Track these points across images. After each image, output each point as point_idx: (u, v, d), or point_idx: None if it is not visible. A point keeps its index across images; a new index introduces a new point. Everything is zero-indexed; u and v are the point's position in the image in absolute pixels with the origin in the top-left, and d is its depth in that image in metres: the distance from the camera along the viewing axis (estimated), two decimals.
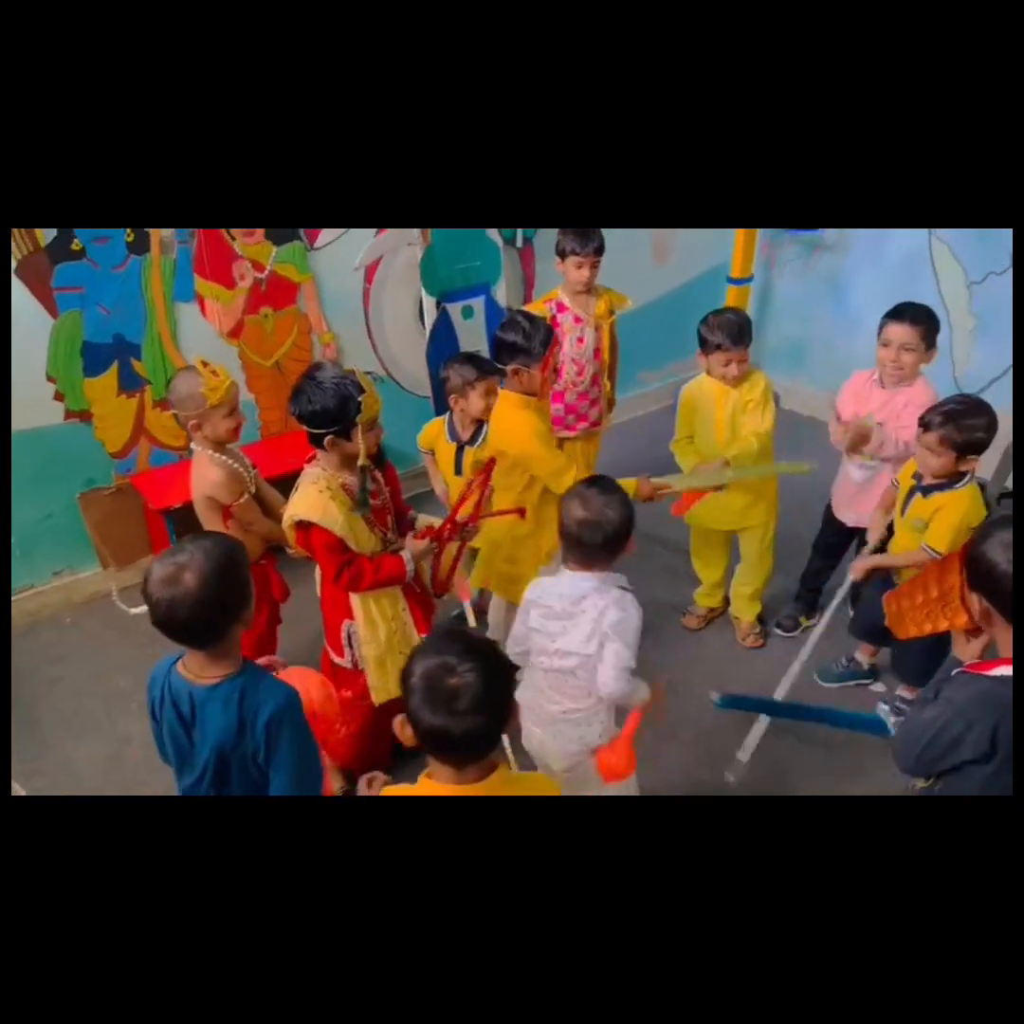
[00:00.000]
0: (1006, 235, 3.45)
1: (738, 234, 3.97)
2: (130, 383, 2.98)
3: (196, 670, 1.52)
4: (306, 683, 1.76)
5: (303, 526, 2.05)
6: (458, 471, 2.71)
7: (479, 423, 2.65)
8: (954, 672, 1.43)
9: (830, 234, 4.02)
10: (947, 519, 2.22)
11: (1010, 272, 3.52)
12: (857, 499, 2.70)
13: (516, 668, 1.59)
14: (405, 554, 2.15)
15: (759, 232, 4.03)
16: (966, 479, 2.23)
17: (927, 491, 2.27)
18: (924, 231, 3.73)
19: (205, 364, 2.18)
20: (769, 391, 2.67)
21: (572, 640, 1.85)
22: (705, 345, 2.60)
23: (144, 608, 1.49)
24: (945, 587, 1.42)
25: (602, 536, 1.82)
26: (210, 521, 2.29)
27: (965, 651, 1.48)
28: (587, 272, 2.92)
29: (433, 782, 1.31)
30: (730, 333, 2.53)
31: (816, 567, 2.96)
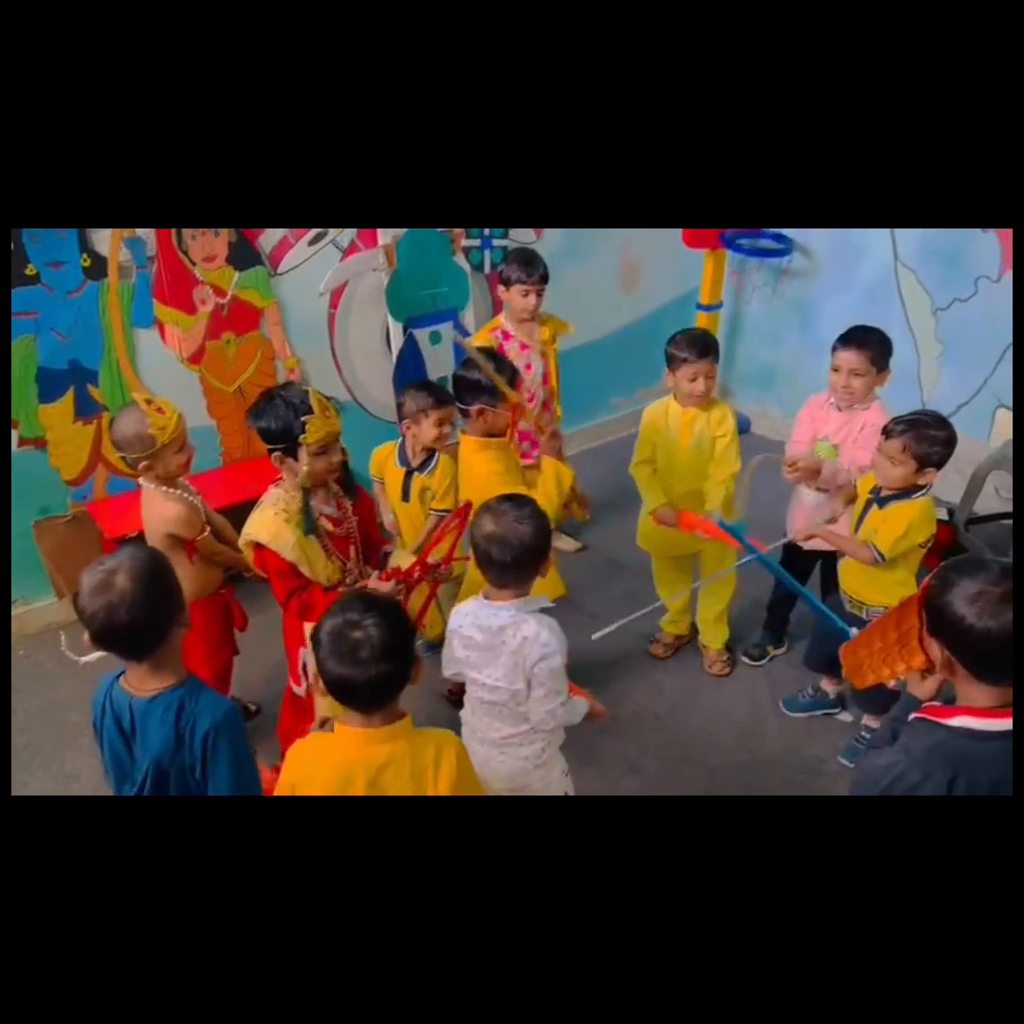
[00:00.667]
0: (971, 263, 3.48)
1: (707, 260, 3.98)
2: (86, 409, 2.93)
3: (137, 683, 1.51)
4: None
5: (258, 547, 2.03)
6: (406, 498, 2.68)
7: (431, 451, 2.62)
8: (911, 717, 1.38)
9: (798, 260, 4.04)
10: (893, 524, 2.24)
11: (974, 299, 3.54)
12: (812, 523, 2.68)
13: (406, 625, 1.60)
14: None
15: (727, 258, 4.05)
16: (921, 492, 2.25)
17: (883, 502, 2.29)
18: (890, 258, 3.75)
19: (149, 401, 2.12)
20: (736, 427, 2.67)
21: (496, 673, 1.80)
22: (671, 361, 2.60)
23: (94, 655, 1.48)
24: (903, 629, 1.38)
25: (511, 553, 1.73)
26: (175, 560, 2.22)
27: (920, 688, 1.43)
28: (533, 300, 2.93)
29: (344, 727, 1.47)
30: (694, 346, 2.55)
31: (782, 595, 2.93)
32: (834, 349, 2.53)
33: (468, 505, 2.14)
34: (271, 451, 1.99)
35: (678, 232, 3.84)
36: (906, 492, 2.25)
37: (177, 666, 1.53)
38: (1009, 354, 3.46)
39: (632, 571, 3.31)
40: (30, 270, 2.66)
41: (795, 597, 2.93)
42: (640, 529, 2.86)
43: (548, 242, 3.77)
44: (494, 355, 2.36)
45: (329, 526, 2.10)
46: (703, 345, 2.56)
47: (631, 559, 3.29)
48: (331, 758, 1.48)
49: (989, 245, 3.41)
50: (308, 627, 2.13)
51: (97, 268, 2.77)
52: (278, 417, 1.94)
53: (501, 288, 3.02)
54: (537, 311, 2.99)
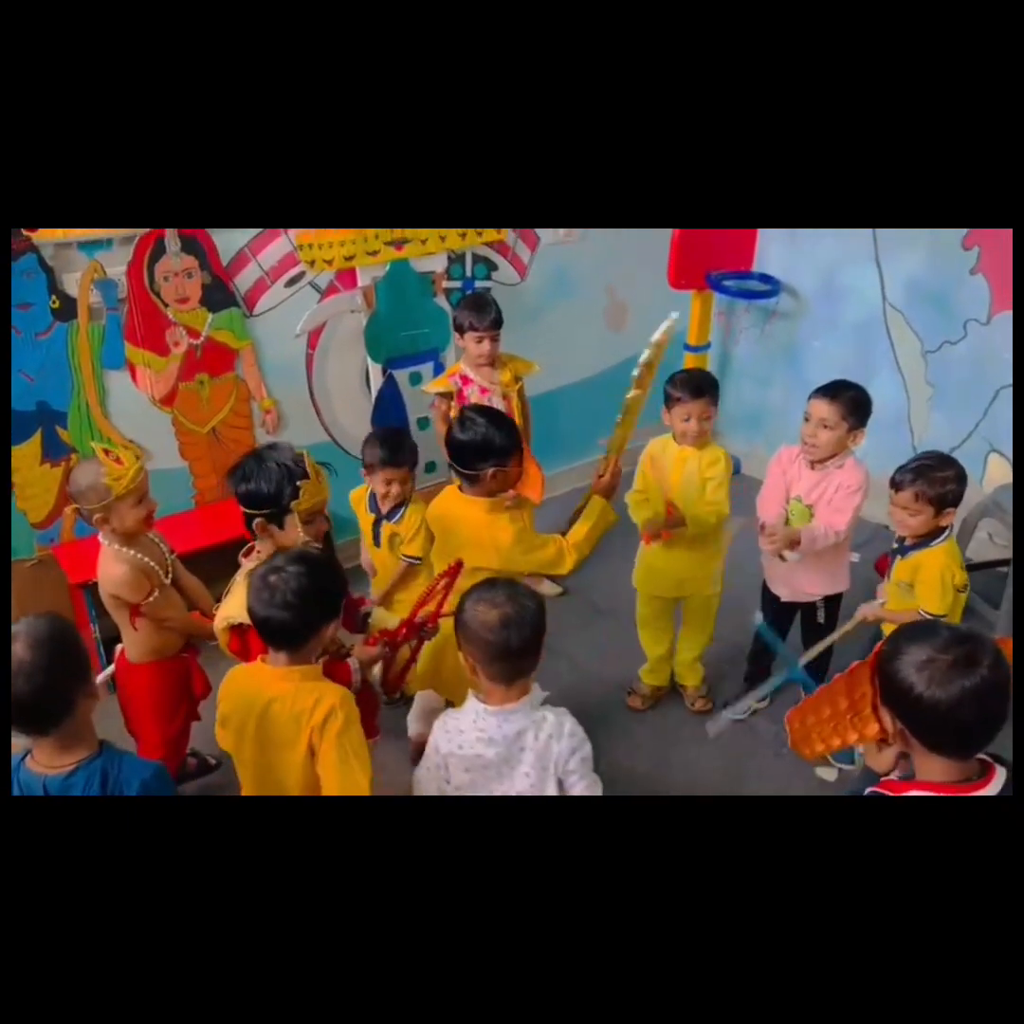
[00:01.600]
0: (960, 305, 3.44)
1: (693, 301, 3.94)
2: (55, 451, 2.88)
3: (46, 761, 1.43)
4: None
5: (239, 630, 1.88)
6: (376, 543, 2.64)
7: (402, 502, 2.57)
8: (867, 791, 1.31)
9: (785, 301, 4.00)
10: (928, 580, 2.20)
11: (964, 342, 3.49)
12: (791, 574, 2.61)
13: (342, 577, 1.76)
14: (352, 662, 1.94)
15: (715, 300, 4.01)
16: (944, 535, 2.21)
17: (905, 551, 2.25)
18: (878, 299, 3.71)
19: (106, 452, 2.04)
20: (729, 470, 2.62)
21: (520, 786, 1.66)
22: (668, 400, 2.59)
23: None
24: (855, 697, 1.32)
25: (531, 629, 1.61)
26: (123, 621, 2.15)
27: (877, 760, 1.36)
28: (488, 346, 2.91)
29: (265, 664, 1.69)
30: (688, 386, 2.54)
31: (761, 646, 2.84)
32: (809, 399, 2.48)
33: (459, 564, 2.04)
34: (251, 517, 1.87)
35: (664, 272, 3.80)
36: (927, 538, 2.21)
37: (90, 736, 1.45)
38: (1001, 397, 3.40)
39: (613, 616, 3.23)
40: None
41: (784, 634, 2.87)
42: (638, 566, 2.81)
43: (532, 280, 3.74)
44: (483, 410, 2.26)
45: None
46: (697, 386, 2.55)
47: (612, 604, 3.22)
48: (240, 677, 1.73)
49: (978, 288, 3.36)
50: None
51: (67, 309, 2.74)
52: (269, 480, 1.83)
53: (455, 335, 3.01)
54: (494, 356, 2.96)
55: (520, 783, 1.67)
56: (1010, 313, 3.27)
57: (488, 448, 2.08)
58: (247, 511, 1.88)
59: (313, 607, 1.62)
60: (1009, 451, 3.39)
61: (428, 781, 1.76)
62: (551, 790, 1.66)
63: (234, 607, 1.86)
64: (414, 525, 2.54)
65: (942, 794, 1.20)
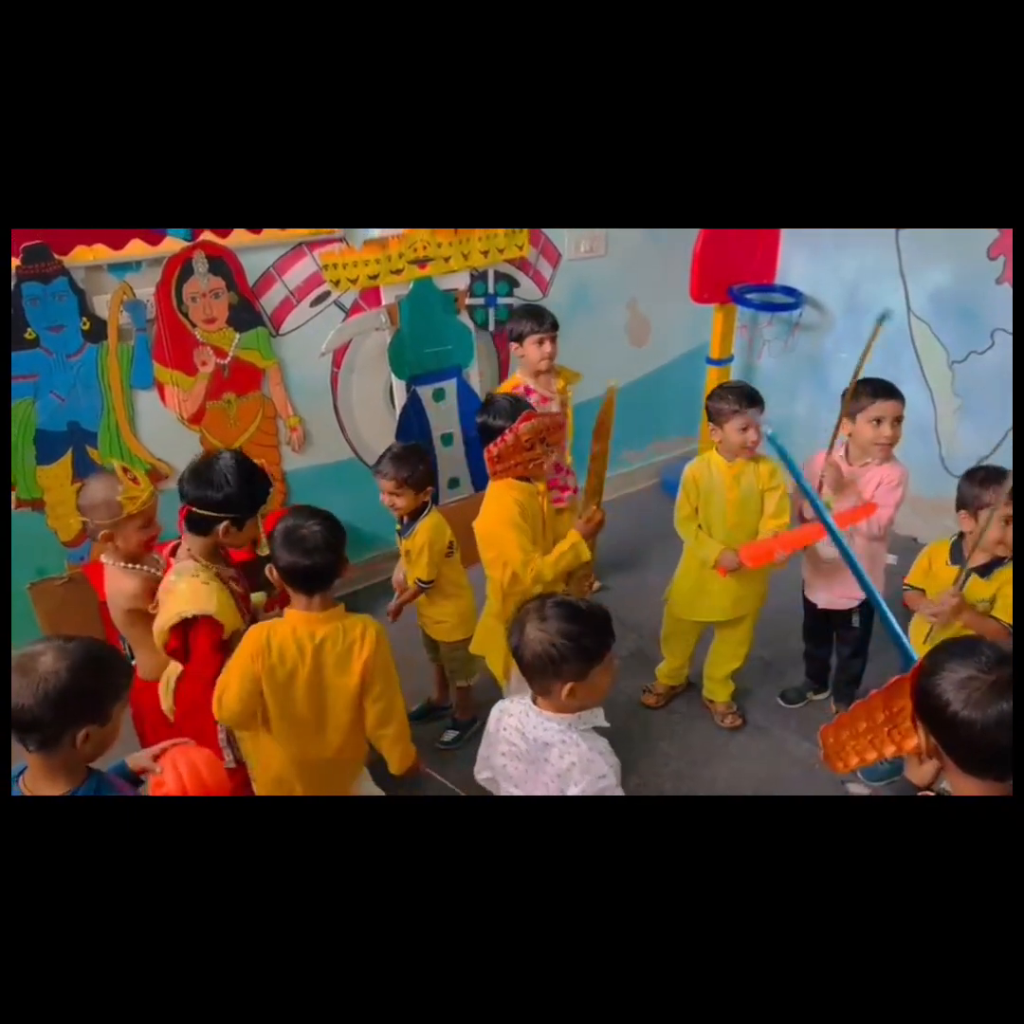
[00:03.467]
0: (987, 315, 3.41)
1: (715, 315, 3.94)
2: (85, 470, 2.91)
3: (32, 786, 1.40)
4: (191, 759, 1.64)
5: (184, 625, 1.94)
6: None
7: (416, 514, 2.57)
8: None
9: (809, 314, 3.98)
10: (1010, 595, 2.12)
11: (991, 351, 3.45)
12: (831, 579, 2.58)
13: (341, 530, 1.90)
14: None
15: (737, 313, 4.00)
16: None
17: (984, 571, 2.16)
18: (903, 310, 3.68)
19: (126, 470, 2.07)
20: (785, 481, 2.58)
21: (536, 789, 1.66)
22: (718, 415, 2.52)
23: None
24: (894, 710, 1.29)
25: (579, 648, 1.58)
26: (136, 637, 2.15)
27: (917, 774, 1.33)
28: (548, 347, 2.93)
29: (292, 610, 1.90)
30: (743, 396, 2.50)
31: (809, 651, 2.91)
32: (866, 402, 2.44)
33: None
34: (210, 521, 1.95)
35: (685, 287, 3.80)
36: (1003, 557, 2.14)
37: (78, 767, 1.43)
38: None
39: (638, 631, 3.21)
40: (30, 334, 2.67)
41: (824, 649, 2.86)
42: (675, 588, 2.76)
43: (554, 297, 3.75)
44: (507, 398, 2.33)
45: (235, 585, 2.08)
46: (751, 396, 2.51)
47: (637, 618, 3.20)
48: (281, 632, 1.88)
49: (1004, 297, 3.33)
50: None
51: (97, 331, 2.78)
52: (240, 483, 1.94)
53: (513, 345, 3.02)
54: (554, 359, 2.99)
55: (541, 790, 1.66)
56: None
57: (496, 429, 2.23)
58: (210, 514, 1.97)
59: (340, 551, 1.89)
60: None
61: (485, 752, 1.81)
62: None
63: (183, 603, 1.92)
64: (421, 544, 2.51)
65: None
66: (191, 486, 1.96)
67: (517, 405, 2.27)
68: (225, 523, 1.95)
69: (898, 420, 2.44)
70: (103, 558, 2.13)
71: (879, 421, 2.42)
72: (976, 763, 1.17)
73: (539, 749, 1.65)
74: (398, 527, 2.66)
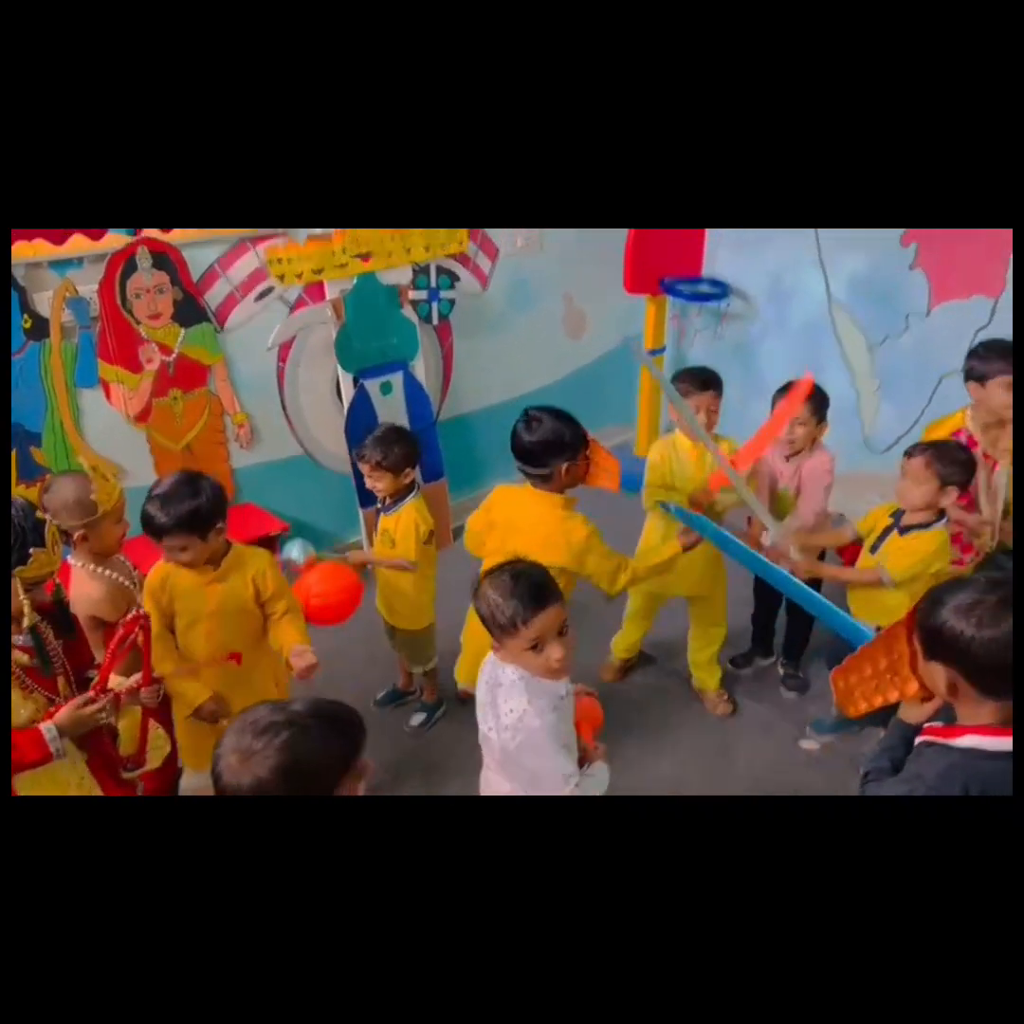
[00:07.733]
0: (901, 300, 3.63)
1: (648, 306, 4.08)
2: (29, 472, 2.83)
3: None
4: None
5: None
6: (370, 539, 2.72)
7: (403, 494, 2.62)
8: (918, 741, 1.35)
9: (735, 304, 4.16)
10: (912, 553, 2.29)
11: (906, 334, 3.68)
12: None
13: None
14: (44, 728, 1.64)
15: (668, 303, 4.15)
16: (941, 521, 2.32)
17: (904, 530, 2.34)
18: (823, 298, 3.89)
19: (95, 468, 2.05)
20: None
21: (489, 724, 1.70)
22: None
23: None
24: (893, 656, 1.37)
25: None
26: (96, 642, 2.11)
27: (915, 713, 1.40)
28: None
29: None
30: (695, 380, 2.64)
31: (756, 614, 3.09)
32: (775, 400, 2.65)
33: (132, 623, 1.78)
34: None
35: (620, 278, 3.93)
36: (926, 523, 2.31)
37: None
38: (944, 384, 3.58)
39: (598, 613, 3.28)
40: None
41: (772, 610, 3.02)
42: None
43: (493, 292, 3.82)
44: (545, 409, 2.26)
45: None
46: (703, 379, 2.64)
47: (597, 600, 3.26)
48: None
49: (917, 283, 3.56)
50: None
51: (38, 329, 2.72)
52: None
53: (972, 385, 2.56)
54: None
55: (492, 735, 1.68)
56: (948, 305, 3.47)
57: (559, 444, 2.20)
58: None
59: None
60: None
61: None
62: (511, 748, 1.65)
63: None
64: (406, 526, 2.56)
65: (991, 736, 1.24)
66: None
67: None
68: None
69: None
70: (71, 560, 2.08)
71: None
72: (1001, 682, 1.19)
73: (490, 689, 1.69)
74: (379, 506, 2.69)
